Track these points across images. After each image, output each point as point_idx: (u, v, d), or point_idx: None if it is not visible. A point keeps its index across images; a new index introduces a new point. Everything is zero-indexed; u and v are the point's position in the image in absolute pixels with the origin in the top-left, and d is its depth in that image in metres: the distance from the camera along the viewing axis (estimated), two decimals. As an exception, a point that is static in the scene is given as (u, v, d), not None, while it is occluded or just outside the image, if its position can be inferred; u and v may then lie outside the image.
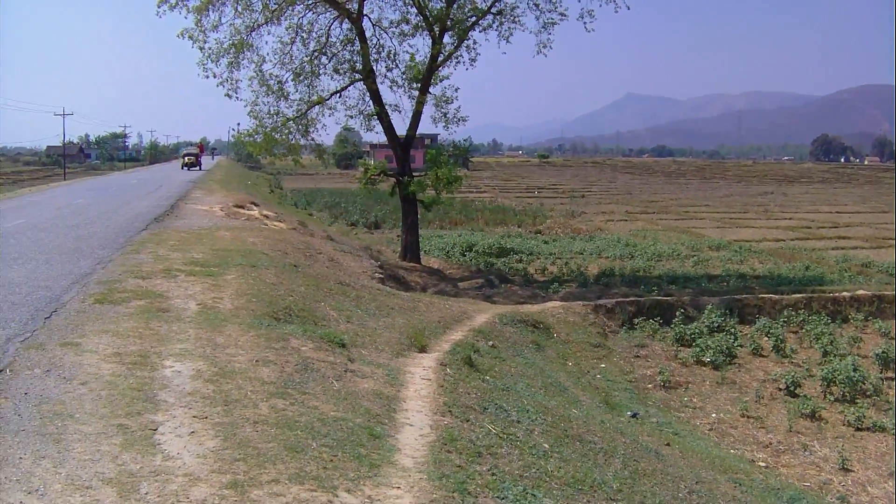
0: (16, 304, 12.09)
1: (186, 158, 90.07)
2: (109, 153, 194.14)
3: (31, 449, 6.55)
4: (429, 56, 35.53)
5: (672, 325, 25.38)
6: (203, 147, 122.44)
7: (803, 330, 26.45)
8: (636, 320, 25.86)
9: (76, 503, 5.71)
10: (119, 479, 6.09)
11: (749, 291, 30.13)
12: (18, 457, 6.39)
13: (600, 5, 33.95)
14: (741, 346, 24.59)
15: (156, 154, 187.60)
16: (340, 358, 11.06)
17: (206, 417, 7.60)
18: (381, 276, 25.81)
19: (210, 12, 31.91)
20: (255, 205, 37.41)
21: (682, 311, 26.28)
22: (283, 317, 13.03)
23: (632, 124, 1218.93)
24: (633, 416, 17.47)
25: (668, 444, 15.16)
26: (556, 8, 34.72)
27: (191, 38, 32.21)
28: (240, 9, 32.39)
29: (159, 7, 31.70)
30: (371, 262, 28.68)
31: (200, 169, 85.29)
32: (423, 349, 14.22)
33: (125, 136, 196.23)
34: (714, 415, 19.92)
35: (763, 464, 17.03)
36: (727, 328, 25.49)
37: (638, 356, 23.54)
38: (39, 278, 14.62)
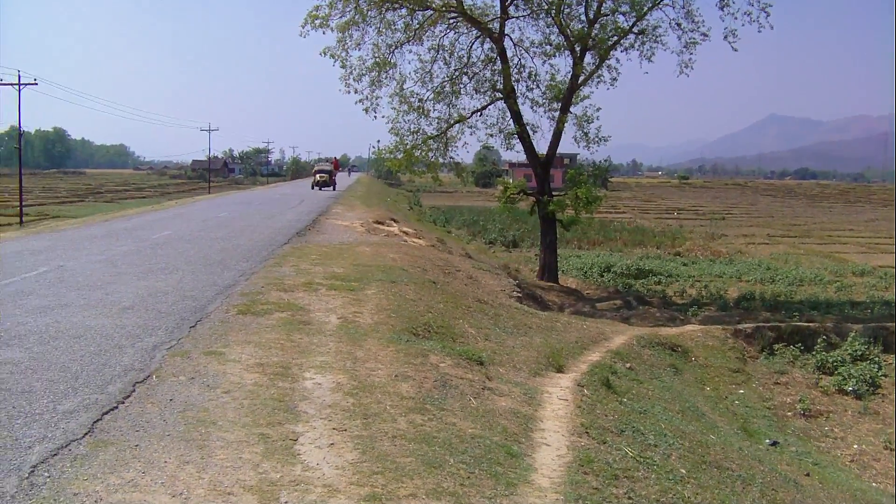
0: (163, 313, 12.45)
1: (318, 176, 73.76)
2: (252, 168, 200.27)
3: (175, 454, 6.68)
4: (570, 75, 35.42)
5: (813, 353, 24.39)
6: (338, 163, 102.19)
7: (951, 360, 25.06)
8: (776, 346, 24.99)
9: (218, 509, 5.78)
10: (260, 487, 6.14)
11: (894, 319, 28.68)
12: (164, 461, 6.52)
13: (743, 25, 33.27)
14: (885, 375, 23.40)
15: (297, 169, 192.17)
16: (478, 375, 10.97)
17: (345, 430, 7.61)
18: (518, 294, 25.69)
19: (353, 31, 32.62)
20: (395, 221, 37.88)
21: (824, 338, 25.16)
22: (422, 333, 13.01)
23: (773, 146, 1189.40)
24: (773, 444, 16.90)
25: (807, 475, 14.64)
26: (698, 28, 34.11)
27: (333, 56, 33.05)
28: (382, 28, 33.01)
29: (303, 27, 32.67)
30: (509, 280, 28.60)
31: (334, 189, 70.53)
32: (560, 369, 14.02)
33: (268, 151, 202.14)
34: (856, 446, 19.14)
35: (907, 499, 16.23)
36: (871, 357, 24.25)
37: (777, 383, 22.78)
38: (185, 288, 15.04)
